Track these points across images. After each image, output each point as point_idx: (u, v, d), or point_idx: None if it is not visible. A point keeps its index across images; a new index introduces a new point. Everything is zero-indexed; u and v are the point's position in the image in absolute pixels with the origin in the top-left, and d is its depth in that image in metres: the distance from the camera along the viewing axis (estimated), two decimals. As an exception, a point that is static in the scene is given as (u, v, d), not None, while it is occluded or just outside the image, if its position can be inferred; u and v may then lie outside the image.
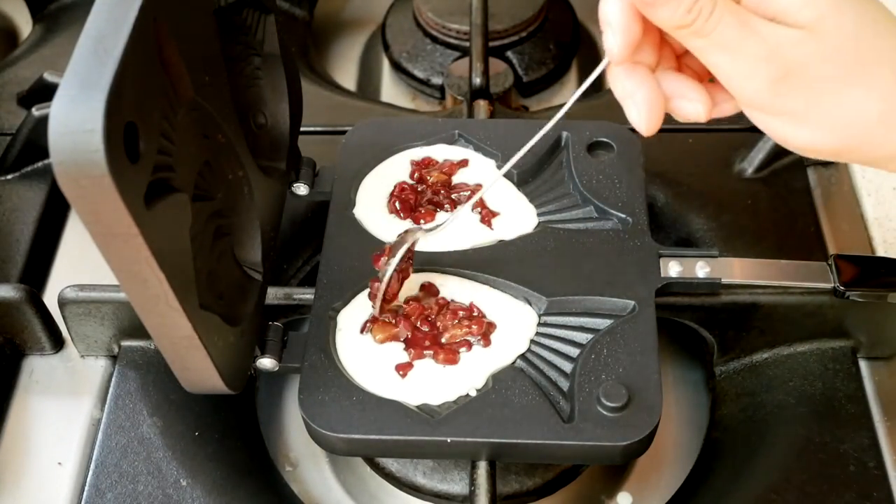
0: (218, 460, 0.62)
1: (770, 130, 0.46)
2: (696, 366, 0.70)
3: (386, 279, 0.56)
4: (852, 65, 0.44)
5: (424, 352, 0.56)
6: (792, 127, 0.45)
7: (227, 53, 0.55)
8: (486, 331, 0.57)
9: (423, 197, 0.64)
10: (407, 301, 0.58)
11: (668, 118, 0.48)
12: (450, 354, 0.56)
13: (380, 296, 0.56)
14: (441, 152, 0.67)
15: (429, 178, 0.65)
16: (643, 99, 0.46)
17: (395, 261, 0.56)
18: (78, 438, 0.64)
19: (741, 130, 0.74)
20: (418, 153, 0.67)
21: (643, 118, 0.47)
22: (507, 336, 0.57)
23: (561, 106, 0.85)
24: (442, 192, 0.64)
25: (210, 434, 0.63)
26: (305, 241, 0.70)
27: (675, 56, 0.49)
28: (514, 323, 0.58)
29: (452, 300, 0.58)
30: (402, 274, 0.57)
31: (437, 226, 0.58)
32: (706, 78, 0.48)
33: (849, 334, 0.64)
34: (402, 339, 0.57)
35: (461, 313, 0.58)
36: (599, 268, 0.60)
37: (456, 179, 0.65)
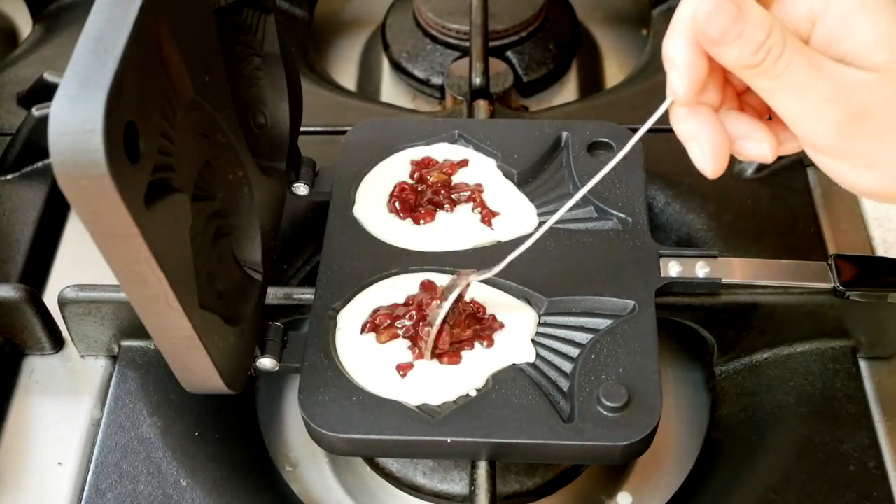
0: (218, 460, 0.62)
1: (832, 172, 0.45)
2: (696, 366, 0.70)
3: (437, 325, 0.55)
4: None
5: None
6: (857, 171, 0.43)
7: (227, 53, 0.55)
8: (491, 331, 0.57)
9: (423, 197, 0.64)
10: (408, 301, 0.58)
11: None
12: (453, 357, 0.56)
13: (430, 342, 0.55)
14: (441, 152, 0.67)
15: (429, 177, 0.65)
16: (708, 141, 0.45)
17: (447, 305, 0.55)
18: (78, 438, 0.64)
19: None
20: (418, 153, 0.67)
21: (708, 160, 0.45)
22: (508, 336, 0.57)
23: (561, 106, 0.86)
24: (442, 191, 0.64)
25: (210, 434, 0.63)
26: (305, 241, 0.70)
27: (736, 94, 0.47)
28: (514, 323, 0.58)
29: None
30: (450, 318, 0.55)
31: (490, 272, 0.56)
32: (766, 115, 0.47)
33: (849, 334, 0.64)
34: (405, 336, 0.57)
35: (465, 312, 0.58)
36: (599, 268, 0.60)
37: (456, 179, 0.65)
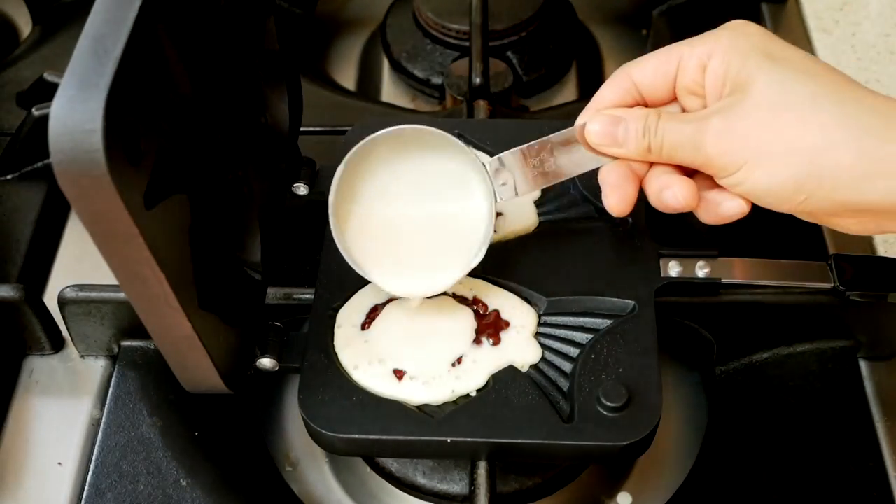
0: (218, 460, 0.62)
1: (743, 189, 0.50)
2: (696, 366, 0.70)
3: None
4: (781, 107, 0.48)
5: None
6: (754, 174, 0.49)
7: (227, 53, 0.55)
8: (497, 329, 0.57)
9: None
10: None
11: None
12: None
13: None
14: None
15: None
16: (613, 188, 0.54)
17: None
18: (78, 438, 0.64)
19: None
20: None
21: (610, 202, 0.54)
22: (513, 335, 0.57)
23: (561, 106, 0.86)
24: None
25: (210, 434, 0.63)
26: (305, 241, 0.70)
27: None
28: (518, 322, 0.58)
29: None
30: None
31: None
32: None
33: (849, 334, 0.64)
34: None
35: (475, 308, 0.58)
36: (599, 268, 0.60)
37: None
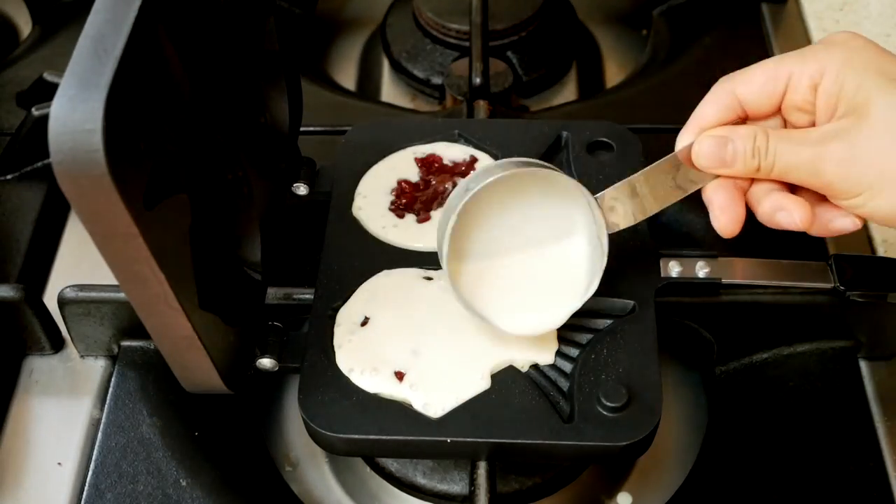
0: (218, 460, 0.62)
1: (862, 211, 0.50)
2: (696, 366, 0.70)
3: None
4: None
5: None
6: (875, 200, 0.49)
7: (227, 53, 0.55)
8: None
9: (424, 196, 0.64)
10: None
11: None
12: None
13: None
14: (442, 150, 0.67)
15: (432, 181, 0.64)
16: (721, 207, 0.53)
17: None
18: (78, 438, 0.64)
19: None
20: (419, 152, 0.66)
21: (719, 223, 0.53)
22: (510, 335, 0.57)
23: (561, 106, 0.86)
24: (445, 187, 0.64)
25: (210, 434, 0.63)
26: (305, 241, 0.70)
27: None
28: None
29: None
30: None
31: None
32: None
33: (849, 334, 0.64)
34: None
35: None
36: (599, 268, 0.60)
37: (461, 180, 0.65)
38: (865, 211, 0.50)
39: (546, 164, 0.54)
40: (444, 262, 0.54)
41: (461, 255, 0.55)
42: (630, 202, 0.54)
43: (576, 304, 0.55)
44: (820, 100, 0.50)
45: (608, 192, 0.54)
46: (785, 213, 0.52)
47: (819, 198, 0.52)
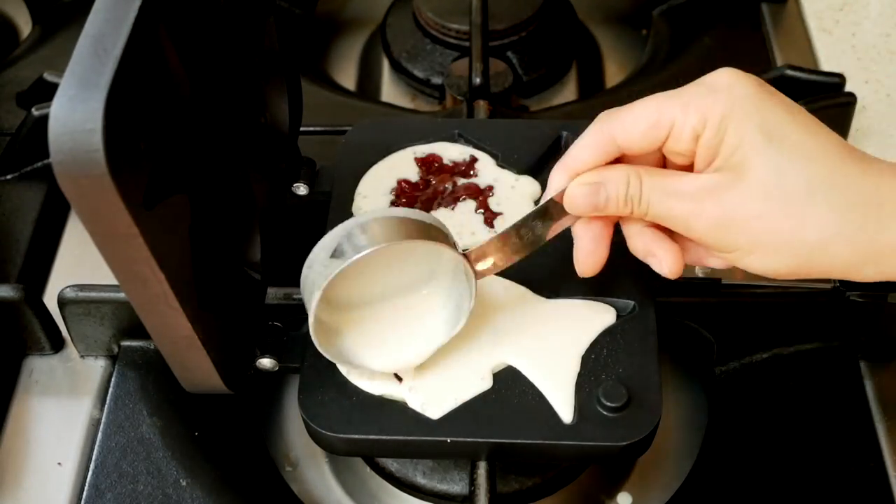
0: (218, 460, 0.62)
1: (734, 263, 0.51)
2: (696, 366, 0.70)
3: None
4: (778, 198, 0.47)
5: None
6: (747, 258, 0.49)
7: (227, 53, 0.55)
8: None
9: (425, 196, 0.64)
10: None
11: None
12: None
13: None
14: (442, 150, 0.67)
15: (432, 181, 0.65)
16: (584, 247, 0.54)
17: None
18: (78, 438, 0.64)
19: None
20: (419, 152, 0.66)
21: (579, 262, 0.54)
22: (512, 333, 0.57)
23: (561, 106, 0.86)
24: (445, 187, 0.64)
25: (210, 434, 0.63)
26: (305, 241, 0.70)
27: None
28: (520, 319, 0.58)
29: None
30: None
31: None
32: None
33: (849, 334, 0.64)
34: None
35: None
36: (599, 268, 0.60)
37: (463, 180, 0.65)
38: (738, 264, 0.50)
39: (416, 216, 0.53)
40: (311, 314, 0.52)
41: (328, 304, 0.54)
42: (501, 251, 0.54)
43: (441, 340, 0.55)
44: (700, 149, 0.49)
45: (476, 249, 0.54)
46: (655, 259, 0.52)
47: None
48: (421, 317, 0.56)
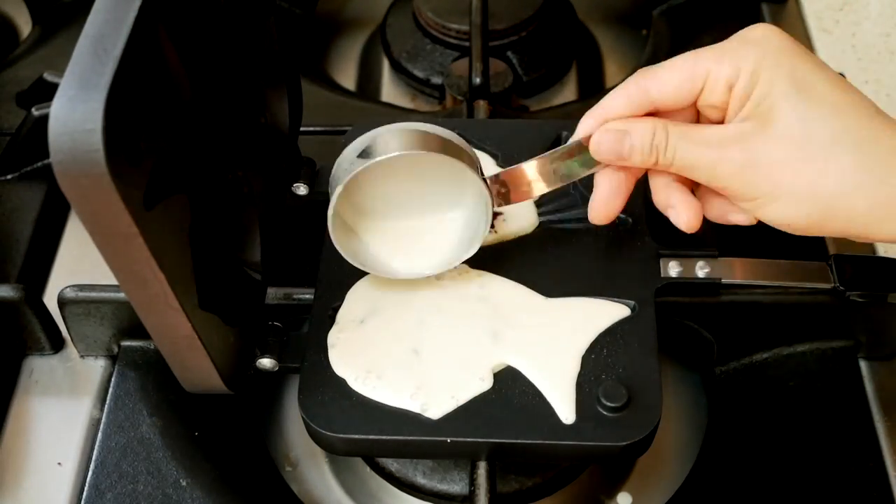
0: (218, 460, 0.62)
1: (756, 213, 0.52)
2: (696, 366, 0.70)
3: None
4: (803, 146, 0.48)
5: None
6: (768, 206, 0.50)
7: (227, 53, 0.55)
8: None
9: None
10: None
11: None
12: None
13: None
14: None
15: None
16: (601, 193, 0.55)
17: None
18: (78, 438, 0.64)
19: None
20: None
21: (593, 209, 0.56)
22: (512, 333, 0.57)
23: (561, 106, 0.86)
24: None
25: (210, 434, 0.63)
26: (305, 241, 0.70)
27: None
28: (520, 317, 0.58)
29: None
30: None
31: None
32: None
33: (849, 334, 0.64)
34: None
35: None
36: (599, 268, 0.60)
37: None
38: (759, 214, 0.51)
39: (448, 135, 0.54)
40: (330, 222, 0.55)
41: (352, 207, 0.57)
42: (522, 183, 0.56)
43: (454, 260, 0.57)
44: (733, 100, 0.50)
45: (501, 173, 0.56)
46: (674, 211, 0.54)
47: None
48: (439, 235, 0.57)
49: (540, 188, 0.56)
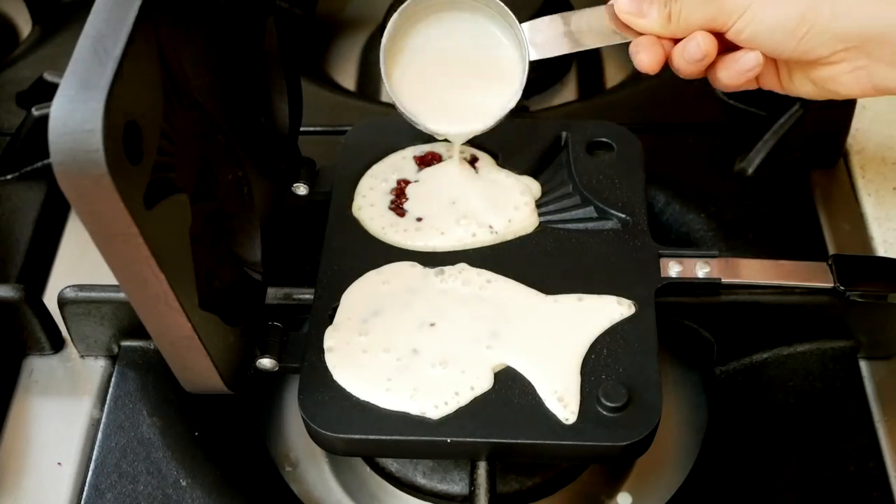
0: (218, 460, 0.62)
1: (752, 30, 0.55)
2: (696, 366, 0.70)
3: None
4: None
5: None
6: (760, 14, 0.54)
7: (227, 53, 0.55)
8: None
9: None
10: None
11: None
12: None
13: None
14: (442, 150, 0.67)
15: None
16: (643, 45, 0.57)
17: None
18: (78, 438, 0.64)
19: (741, 130, 0.74)
20: (418, 151, 0.67)
21: (637, 57, 0.58)
22: (512, 333, 0.57)
23: (561, 106, 0.86)
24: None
25: (210, 434, 0.63)
26: (305, 241, 0.70)
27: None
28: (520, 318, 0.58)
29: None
30: None
31: None
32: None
33: (849, 334, 0.64)
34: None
35: None
36: (599, 268, 0.60)
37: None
38: (753, 29, 0.54)
39: None
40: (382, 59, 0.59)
41: (399, 56, 0.60)
42: (557, 34, 0.58)
43: (498, 114, 0.60)
44: None
45: (538, 21, 0.58)
46: (693, 41, 0.56)
47: (725, 46, 0.56)
48: (483, 82, 0.61)
49: (577, 44, 0.58)
